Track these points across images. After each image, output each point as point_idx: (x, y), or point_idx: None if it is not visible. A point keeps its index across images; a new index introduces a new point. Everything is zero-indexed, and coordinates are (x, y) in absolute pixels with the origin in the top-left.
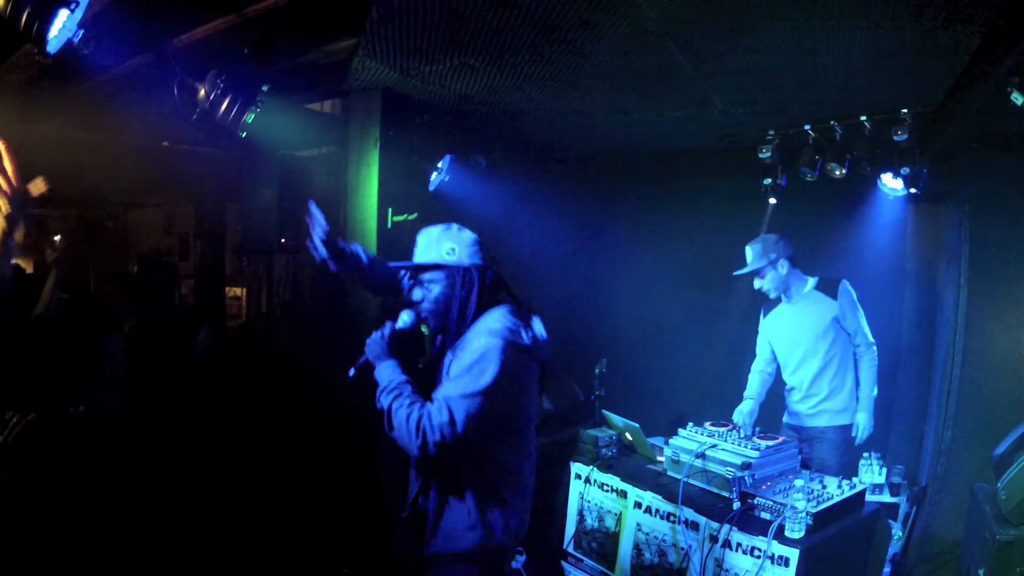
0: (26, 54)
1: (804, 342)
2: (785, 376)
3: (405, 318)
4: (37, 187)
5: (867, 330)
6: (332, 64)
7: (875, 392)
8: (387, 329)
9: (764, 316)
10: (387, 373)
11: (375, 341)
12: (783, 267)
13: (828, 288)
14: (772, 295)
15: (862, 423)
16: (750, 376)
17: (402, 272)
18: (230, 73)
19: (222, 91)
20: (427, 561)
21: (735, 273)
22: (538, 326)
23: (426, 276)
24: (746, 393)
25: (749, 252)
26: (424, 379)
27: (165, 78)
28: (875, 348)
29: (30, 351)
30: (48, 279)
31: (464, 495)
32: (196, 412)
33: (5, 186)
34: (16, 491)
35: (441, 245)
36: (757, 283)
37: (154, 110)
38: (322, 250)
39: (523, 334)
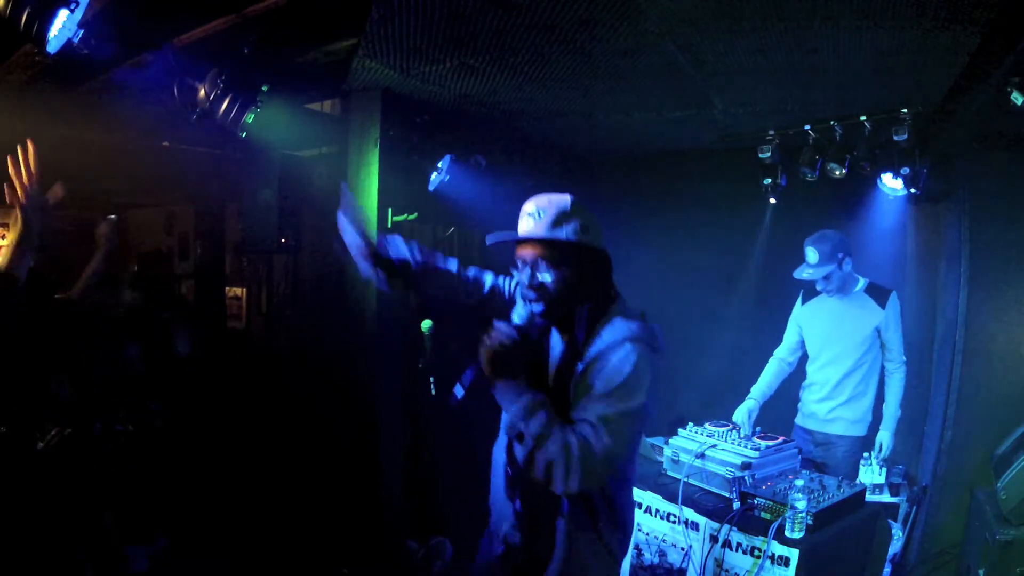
0: (26, 54)
1: (842, 340)
2: (810, 369)
3: (522, 311)
4: (55, 193)
5: (902, 348)
6: (332, 64)
7: (899, 413)
8: (513, 331)
9: (802, 303)
10: (517, 391)
11: (499, 347)
12: (848, 265)
13: (878, 295)
14: (831, 295)
15: (885, 441)
16: (768, 364)
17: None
18: (230, 73)
19: (222, 91)
20: None
21: (801, 277)
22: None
23: (549, 257)
24: (753, 389)
25: (814, 253)
26: (554, 394)
27: (165, 78)
28: (906, 368)
29: (52, 349)
30: (91, 261)
31: (604, 515)
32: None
33: (25, 181)
34: (46, 497)
35: (574, 220)
36: (821, 283)
37: (154, 110)
38: (364, 268)
39: (657, 333)
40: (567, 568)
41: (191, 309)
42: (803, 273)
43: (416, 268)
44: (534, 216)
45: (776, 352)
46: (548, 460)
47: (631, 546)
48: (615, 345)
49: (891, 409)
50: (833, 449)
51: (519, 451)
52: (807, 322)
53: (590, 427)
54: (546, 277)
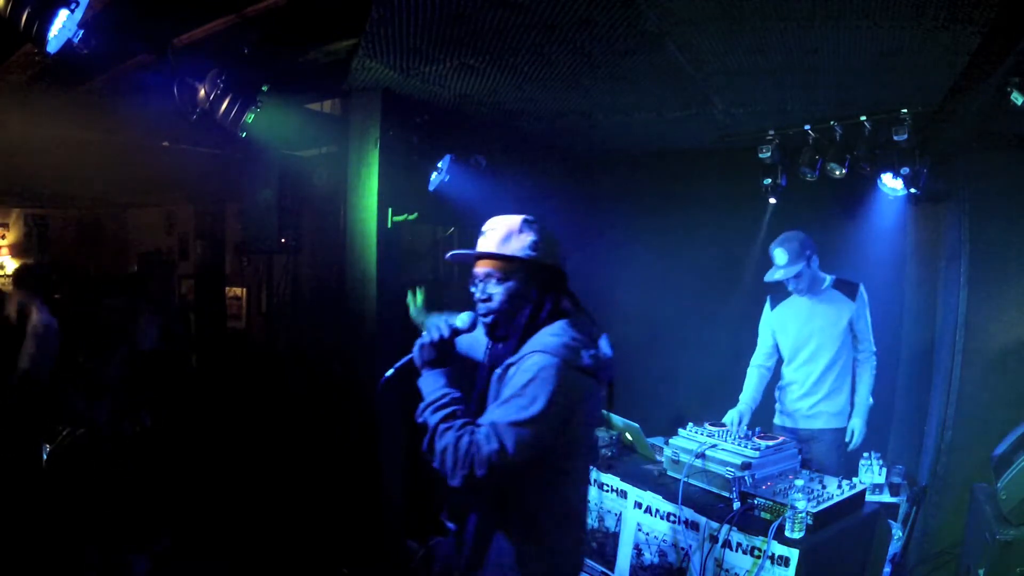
0: (26, 54)
1: (817, 337)
2: (786, 370)
3: (466, 319)
4: None
5: (872, 338)
6: (332, 64)
7: (871, 401)
8: (447, 330)
9: (771, 308)
10: (435, 384)
11: (429, 344)
12: (815, 262)
13: (847, 289)
14: (802, 294)
15: (857, 428)
16: (748, 372)
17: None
18: (230, 73)
19: (222, 91)
20: None
21: (773, 279)
22: (604, 343)
23: (498, 271)
24: (741, 398)
25: (783, 253)
26: (474, 396)
27: (165, 78)
28: (876, 358)
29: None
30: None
31: (505, 530)
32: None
33: None
34: (55, 495)
35: (525, 237)
36: (792, 283)
37: (154, 110)
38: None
39: (583, 353)
40: (489, 559)
41: (175, 306)
42: (775, 275)
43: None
44: (487, 233)
45: (753, 360)
46: (441, 451)
47: (631, 546)
48: (526, 356)
49: (862, 397)
50: (817, 443)
51: (425, 440)
52: (780, 325)
53: (484, 430)
54: (494, 291)
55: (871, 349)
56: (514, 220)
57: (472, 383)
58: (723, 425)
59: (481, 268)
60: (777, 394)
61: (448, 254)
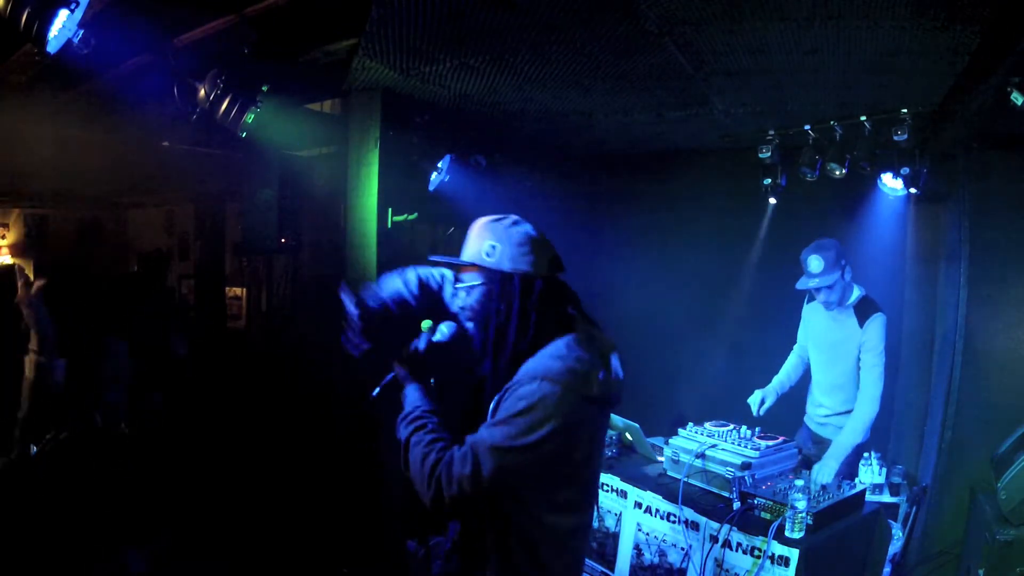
0: (26, 54)
1: (833, 351)
2: (812, 370)
3: (444, 330)
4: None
5: (877, 377)
6: (332, 64)
7: (858, 440)
8: (422, 342)
9: (807, 300)
10: (410, 398)
11: (407, 357)
12: (848, 273)
13: (863, 313)
14: (830, 307)
15: (823, 471)
16: (788, 358)
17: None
18: (230, 73)
19: (222, 91)
20: None
21: (807, 287)
22: (615, 363)
23: (465, 278)
24: (773, 379)
25: (818, 261)
26: (466, 416)
27: (165, 78)
28: (877, 403)
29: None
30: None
31: (496, 559)
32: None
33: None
34: (41, 500)
35: (482, 241)
36: (822, 297)
37: (154, 110)
38: (357, 341)
39: (591, 378)
40: None
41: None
42: (809, 283)
43: (395, 309)
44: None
45: (796, 345)
46: (408, 467)
47: (631, 546)
48: (525, 380)
49: (842, 437)
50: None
51: (401, 457)
52: (808, 323)
53: (463, 450)
54: (464, 300)
55: (871, 389)
56: (479, 222)
57: (473, 399)
58: (731, 423)
59: (458, 275)
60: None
61: (431, 258)
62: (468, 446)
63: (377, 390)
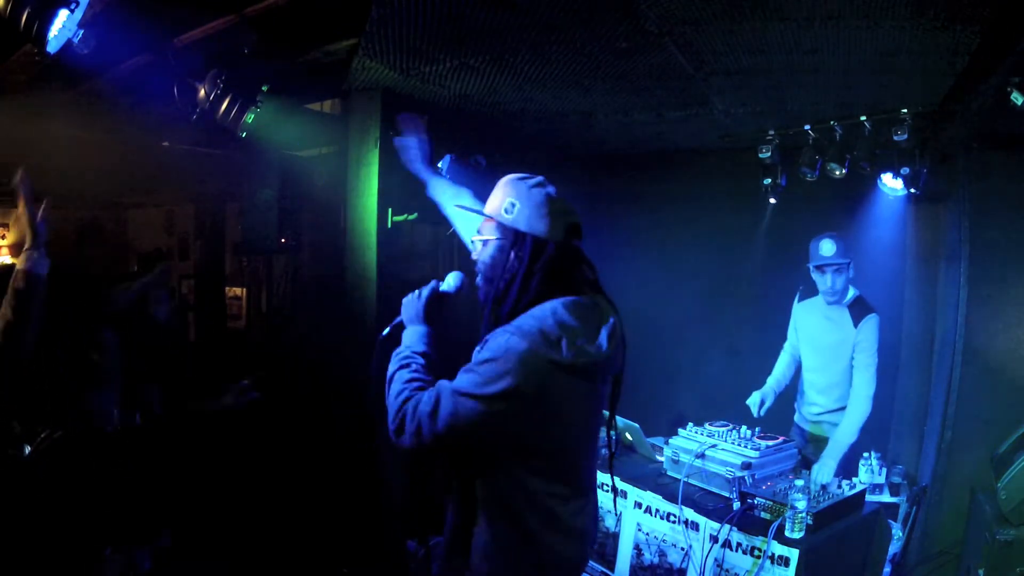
0: (26, 54)
1: (826, 351)
2: (803, 369)
3: (451, 280)
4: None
5: (869, 377)
6: (332, 64)
7: (853, 439)
8: (427, 289)
9: (798, 300)
10: (408, 339)
11: (411, 301)
12: (852, 270)
13: (857, 313)
14: (832, 298)
15: (822, 470)
16: (781, 353)
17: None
18: (230, 73)
19: (222, 91)
20: None
21: (822, 256)
22: (603, 334)
23: (483, 231)
24: (767, 380)
25: (831, 244)
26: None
27: (165, 78)
28: (869, 402)
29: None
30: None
31: (480, 515)
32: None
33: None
34: (37, 501)
35: (504, 197)
36: (829, 282)
37: (154, 110)
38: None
39: (564, 344)
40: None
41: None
42: (825, 258)
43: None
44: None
45: (785, 345)
46: (387, 399)
47: (631, 546)
48: (499, 332)
49: (838, 436)
50: (823, 446)
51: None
52: (800, 322)
53: (432, 390)
54: (479, 251)
55: (864, 388)
56: (506, 178)
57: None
58: (730, 423)
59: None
60: (799, 389)
61: (455, 205)
62: (436, 387)
63: (387, 330)
